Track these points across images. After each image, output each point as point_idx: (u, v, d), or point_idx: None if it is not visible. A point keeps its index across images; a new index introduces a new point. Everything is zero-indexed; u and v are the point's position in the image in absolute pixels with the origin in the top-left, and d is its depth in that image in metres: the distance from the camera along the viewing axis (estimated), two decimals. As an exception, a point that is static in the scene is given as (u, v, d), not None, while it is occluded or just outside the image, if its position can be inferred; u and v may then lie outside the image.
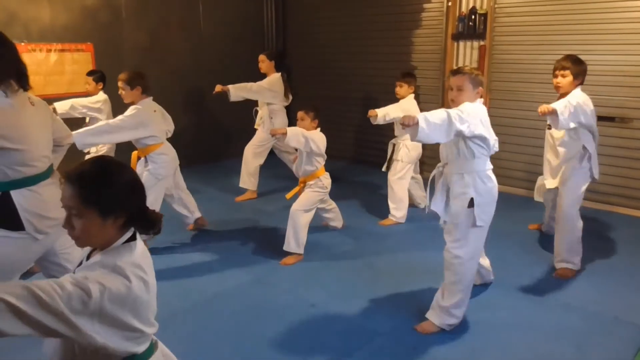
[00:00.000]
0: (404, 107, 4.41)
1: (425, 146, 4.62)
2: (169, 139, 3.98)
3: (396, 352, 2.69)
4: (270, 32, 7.37)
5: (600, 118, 3.85)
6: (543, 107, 3.07)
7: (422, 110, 3.24)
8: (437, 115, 2.49)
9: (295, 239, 3.76)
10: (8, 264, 2.19)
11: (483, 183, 2.70)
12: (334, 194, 4.27)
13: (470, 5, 5.51)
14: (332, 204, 4.27)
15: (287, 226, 3.79)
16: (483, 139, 2.62)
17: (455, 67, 5.01)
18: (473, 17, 5.46)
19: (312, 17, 7.06)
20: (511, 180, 5.36)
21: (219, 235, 4.34)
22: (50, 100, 3.24)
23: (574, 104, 3.18)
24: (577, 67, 3.34)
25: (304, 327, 2.92)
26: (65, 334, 1.17)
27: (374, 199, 5.26)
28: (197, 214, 4.33)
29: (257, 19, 7.25)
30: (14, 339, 1.90)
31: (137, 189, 1.39)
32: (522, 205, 4.97)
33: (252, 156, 5.28)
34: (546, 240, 4.09)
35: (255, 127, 5.44)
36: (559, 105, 3.13)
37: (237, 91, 5.04)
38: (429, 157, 5.77)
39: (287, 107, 5.35)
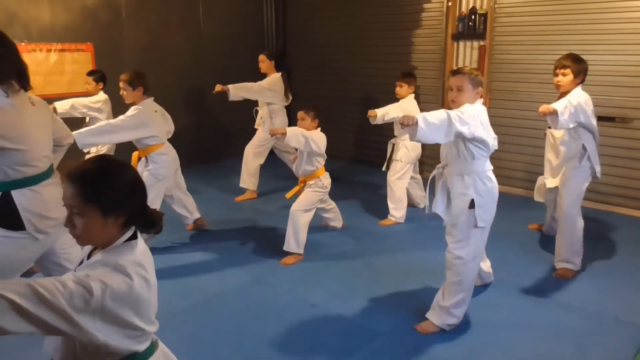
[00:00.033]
0: (404, 107, 4.41)
1: (424, 146, 4.62)
2: (169, 140, 3.98)
3: (396, 352, 2.69)
4: (270, 32, 7.37)
5: (600, 118, 3.86)
6: (544, 108, 3.07)
7: (422, 110, 3.25)
8: (437, 115, 2.49)
9: (295, 239, 3.76)
10: (8, 264, 2.19)
11: (483, 184, 2.70)
12: (333, 194, 4.27)
13: (470, 5, 5.51)
14: (332, 204, 4.27)
15: (287, 226, 3.79)
16: (482, 141, 2.62)
17: (455, 67, 5.02)
18: (473, 17, 5.46)
19: (312, 17, 7.06)
20: (511, 180, 5.37)
21: (219, 235, 4.35)
22: (50, 100, 3.25)
23: (575, 103, 3.18)
24: (578, 66, 3.33)
25: (304, 327, 2.93)
26: (67, 332, 1.18)
27: (374, 199, 5.26)
28: (197, 215, 4.33)
29: (257, 19, 7.25)
30: (14, 338, 1.90)
31: (138, 188, 1.39)
32: (522, 205, 4.97)
33: (253, 156, 5.28)
34: (546, 240, 4.09)
35: (256, 127, 5.45)
36: (559, 105, 3.13)
37: (237, 91, 5.04)
38: (429, 157, 5.77)
39: (287, 107, 5.35)
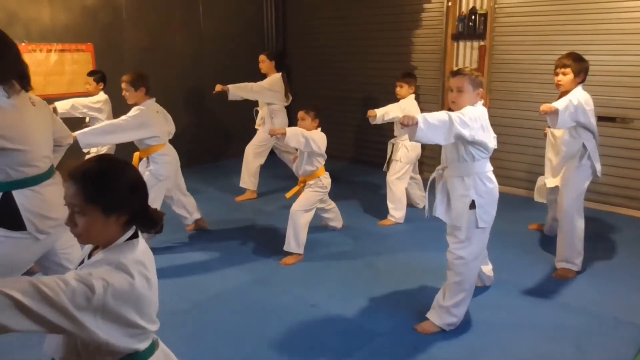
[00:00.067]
0: (403, 107, 4.41)
1: (424, 147, 4.62)
2: (169, 140, 3.99)
3: (396, 352, 2.69)
4: (270, 32, 7.37)
5: (600, 118, 3.86)
6: (545, 107, 3.08)
7: (422, 110, 3.26)
8: (438, 116, 2.49)
9: (296, 239, 3.76)
10: (9, 264, 2.19)
11: (484, 184, 2.70)
12: (333, 194, 4.27)
13: (470, 6, 5.51)
14: (332, 204, 4.27)
15: (287, 226, 3.79)
16: (483, 143, 2.62)
17: (455, 68, 5.02)
18: (473, 17, 5.46)
19: (312, 17, 7.06)
20: (511, 180, 5.36)
21: (219, 235, 4.35)
22: (50, 100, 3.25)
23: (575, 103, 3.19)
24: (579, 65, 3.33)
25: (304, 327, 2.93)
26: (69, 330, 1.18)
27: (374, 199, 5.26)
28: (197, 215, 4.33)
29: (257, 19, 7.25)
30: (14, 337, 1.90)
31: (139, 187, 1.40)
32: (522, 206, 4.97)
33: (253, 156, 5.29)
34: (546, 240, 4.09)
35: (256, 127, 5.45)
36: (560, 104, 3.13)
37: (237, 91, 5.05)
38: (428, 158, 5.77)
39: (287, 107, 5.35)
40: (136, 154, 3.90)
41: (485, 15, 5.36)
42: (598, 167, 3.44)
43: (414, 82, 4.62)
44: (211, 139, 6.93)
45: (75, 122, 4.19)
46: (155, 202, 3.75)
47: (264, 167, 5.40)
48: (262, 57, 5.26)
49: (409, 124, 2.42)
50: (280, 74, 5.24)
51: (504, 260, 3.68)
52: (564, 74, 3.36)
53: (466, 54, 5.65)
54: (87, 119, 4.62)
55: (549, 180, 3.78)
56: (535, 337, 2.81)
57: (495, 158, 2.88)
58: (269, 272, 3.65)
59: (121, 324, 1.26)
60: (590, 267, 3.62)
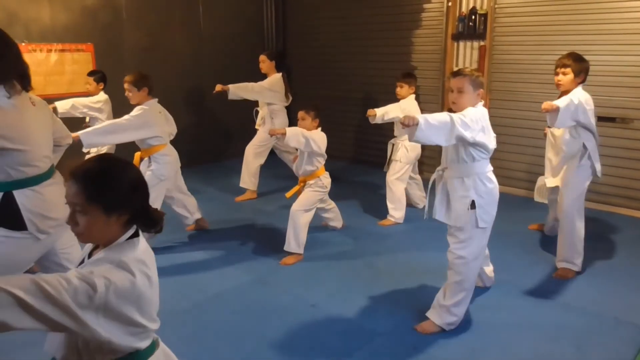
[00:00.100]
0: (403, 107, 4.41)
1: (424, 147, 4.62)
2: (170, 141, 3.99)
3: (396, 352, 2.69)
4: (270, 32, 7.37)
5: (601, 118, 3.86)
6: (546, 104, 3.08)
7: (422, 110, 3.27)
8: (439, 117, 2.49)
9: (296, 239, 3.76)
10: (10, 264, 2.19)
11: (484, 185, 2.70)
12: (333, 194, 4.28)
13: (470, 6, 5.51)
14: (332, 204, 4.27)
15: (288, 226, 3.79)
16: (483, 145, 2.62)
17: (455, 68, 5.02)
18: (473, 17, 5.46)
19: (312, 17, 7.07)
20: (511, 180, 5.37)
21: (219, 235, 4.35)
22: (50, 100, 3.25)
23: (576, 102, 3.19)
24: (579, 65, 3.34)
25: (304, 327, 2.93)
26: (71, 328, 1.18)
27: (374, 199, 5.26)
28: (197, 215, 4.33)
29: (257, 19, 7.25)
30: (14, 337, 1.90)
31: (140, 187, 1.40)
32: (522, 206, 4.98)
33: (253, 156, 5.29)
34: (546, 240, 4.09)
35: (256, 127, 5.45)
36: (561, 103, 3.14)
37: (237, 90, 5.05)
38: (428, 158, 5.77)
39: (287, 107, 5.35)
40: (137, 154, 3.90)
41: (485, 15, 5.36)
42: (598, 167, 3.45)
43: (414, 82, 4.62)
44: (211, 139, 6.93)
45: (75, 122, 4.19)
46: (156, 201, 3.75)
47: (264, 167, 5.40)
48: (262, 57, 5.27)
49: (410, 124, 2.42)
50: (280, 74, 5.24)
51: (504, 260, 3.68)
52: (564, 73, 3.37)
53: (466, 54, 5.65)
54: (87, 119, 4.62)
55: (549, 180, 3.78)
56: (536, 337, 2.81)
57: (495, 158, 2.88)
58: (269, 272, 3.65)
59: (122, 322, 1.27)
60: (591, 267, 3.62)
